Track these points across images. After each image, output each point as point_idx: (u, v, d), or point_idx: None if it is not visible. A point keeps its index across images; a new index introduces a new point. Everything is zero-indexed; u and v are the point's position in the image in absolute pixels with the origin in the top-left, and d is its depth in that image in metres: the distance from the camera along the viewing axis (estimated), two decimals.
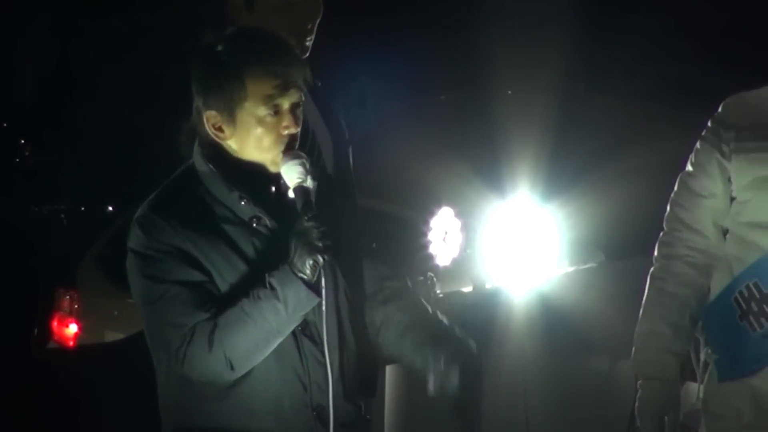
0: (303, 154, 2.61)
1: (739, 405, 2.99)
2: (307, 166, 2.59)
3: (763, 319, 2.95)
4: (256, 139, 2.61)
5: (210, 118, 2.63)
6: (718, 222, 3.08)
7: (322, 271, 2.54)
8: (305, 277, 2.54)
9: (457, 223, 4.65)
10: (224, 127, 2.62)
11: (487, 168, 5.11)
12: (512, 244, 4.83)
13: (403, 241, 4.95)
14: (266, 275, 2.55)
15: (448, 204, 4.49)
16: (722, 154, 3.04)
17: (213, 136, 2.63)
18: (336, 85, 3.57)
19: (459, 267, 4.99)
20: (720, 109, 3.08)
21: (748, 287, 2.97)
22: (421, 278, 4.63)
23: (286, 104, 2.60)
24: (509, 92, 5.82)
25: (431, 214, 4.88)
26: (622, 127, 5.48)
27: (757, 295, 2.96)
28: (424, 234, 4.86)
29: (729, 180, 3.04)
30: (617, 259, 5.01)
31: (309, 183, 2.58)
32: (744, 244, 3.01)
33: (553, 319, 4.65)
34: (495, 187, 4.98)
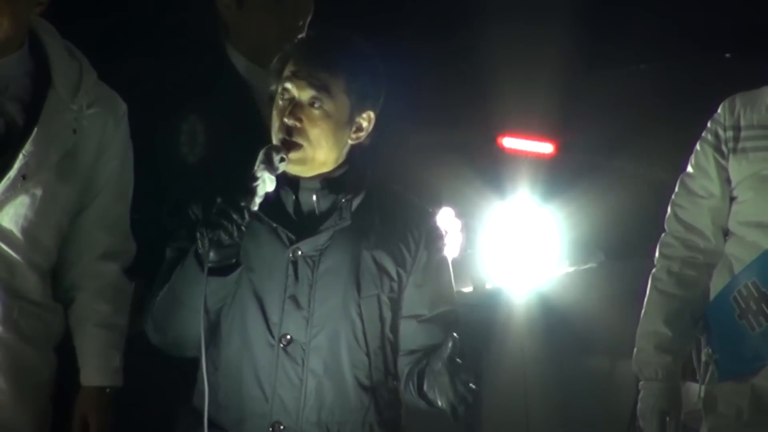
0: (279, 148, 2.57)
1: (740, 403, 2.99)
2: (272, 158, 2.55)
3: (761, 318, 2.96)
4: (272, 120, 2.64)
5: None
6: (717, 222, 3.09)
7: (207, 246, 2.47)
8: (198, 246, 2.50)
9: (457, 223, 4.64)
10: None
11: (487, 168, 5.11)
12: (512, 244, 4.83)
13: None
14: None
15: (448, 204, 4.48)
16: (721, 154, 3.05)
17: None
18: None
19: (459, 267, 4.98)
20: (719, 110, 3.10)
21: (746, 286, 2.98)
22: None
23: (293, 93, 2.60)
24: (511, 92, 5.82)
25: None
26: (622, 127, 5.47)
27: (756, 294, 2.97)
28: None
29: (728, 180, 3.05)
30: (617, 260, 5.01)
31: (260, 173, 2.53)
32: (743, 244, 3.02)
33: (553, 319, 4.65)
34: (495, 187, 4.97)
